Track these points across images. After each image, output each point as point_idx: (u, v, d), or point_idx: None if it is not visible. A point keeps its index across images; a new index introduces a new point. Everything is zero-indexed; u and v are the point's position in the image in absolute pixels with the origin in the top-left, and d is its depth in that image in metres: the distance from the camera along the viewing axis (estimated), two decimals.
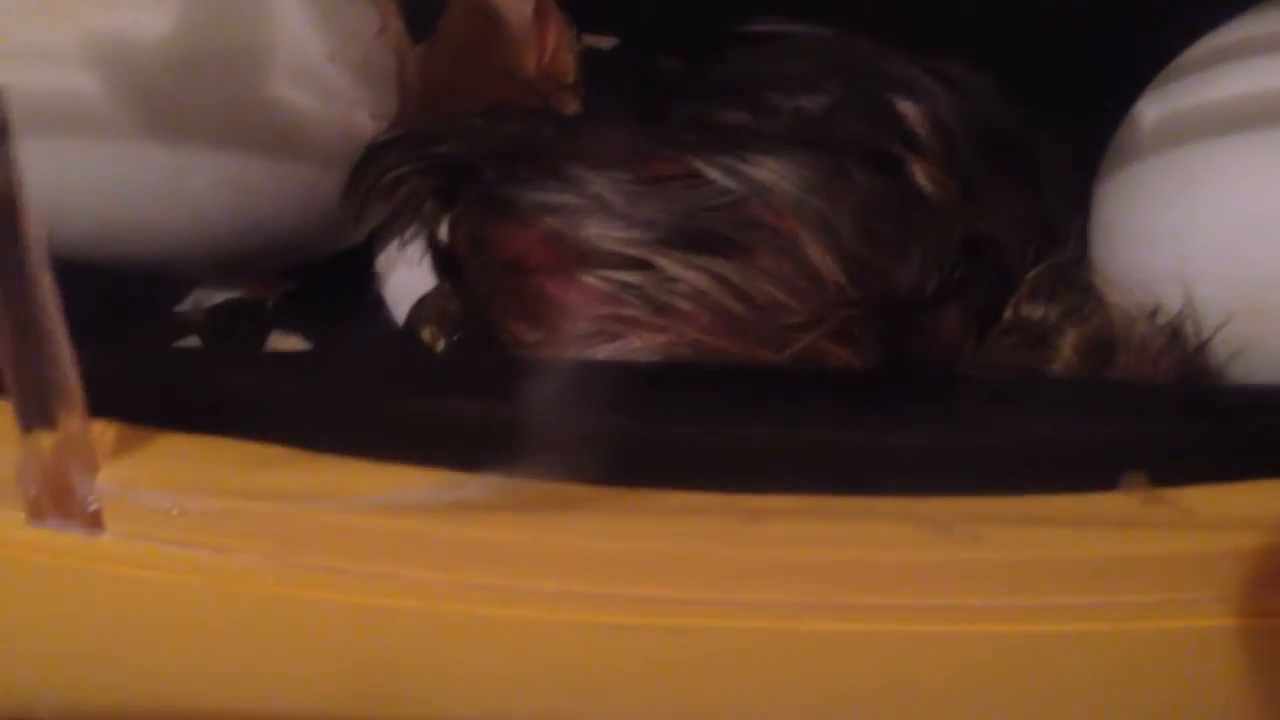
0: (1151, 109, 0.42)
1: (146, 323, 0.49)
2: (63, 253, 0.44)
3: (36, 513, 0.32)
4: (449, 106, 0.47)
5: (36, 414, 0.32)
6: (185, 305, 0.50)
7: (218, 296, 0.50)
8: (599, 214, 0.42)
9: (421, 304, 0.49)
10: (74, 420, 0.32)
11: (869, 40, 0.44)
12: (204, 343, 0.49)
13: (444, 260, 0.48)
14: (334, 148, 0.45)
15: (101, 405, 0.33)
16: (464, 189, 0.45)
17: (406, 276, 0.49)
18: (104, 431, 0.33)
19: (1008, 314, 0.42)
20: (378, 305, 0.50)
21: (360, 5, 0.44)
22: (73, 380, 0.32)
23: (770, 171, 0.41)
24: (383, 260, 0.50)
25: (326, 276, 0.50)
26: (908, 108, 0.42)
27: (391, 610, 0.33)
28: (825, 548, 0.33)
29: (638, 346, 0.41)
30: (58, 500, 0.32)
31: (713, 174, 0.41)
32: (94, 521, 0.33)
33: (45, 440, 0.32)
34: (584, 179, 0.42)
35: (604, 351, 0.41)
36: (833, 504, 0.34)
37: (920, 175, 0.41)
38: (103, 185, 0.43)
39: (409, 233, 0.48)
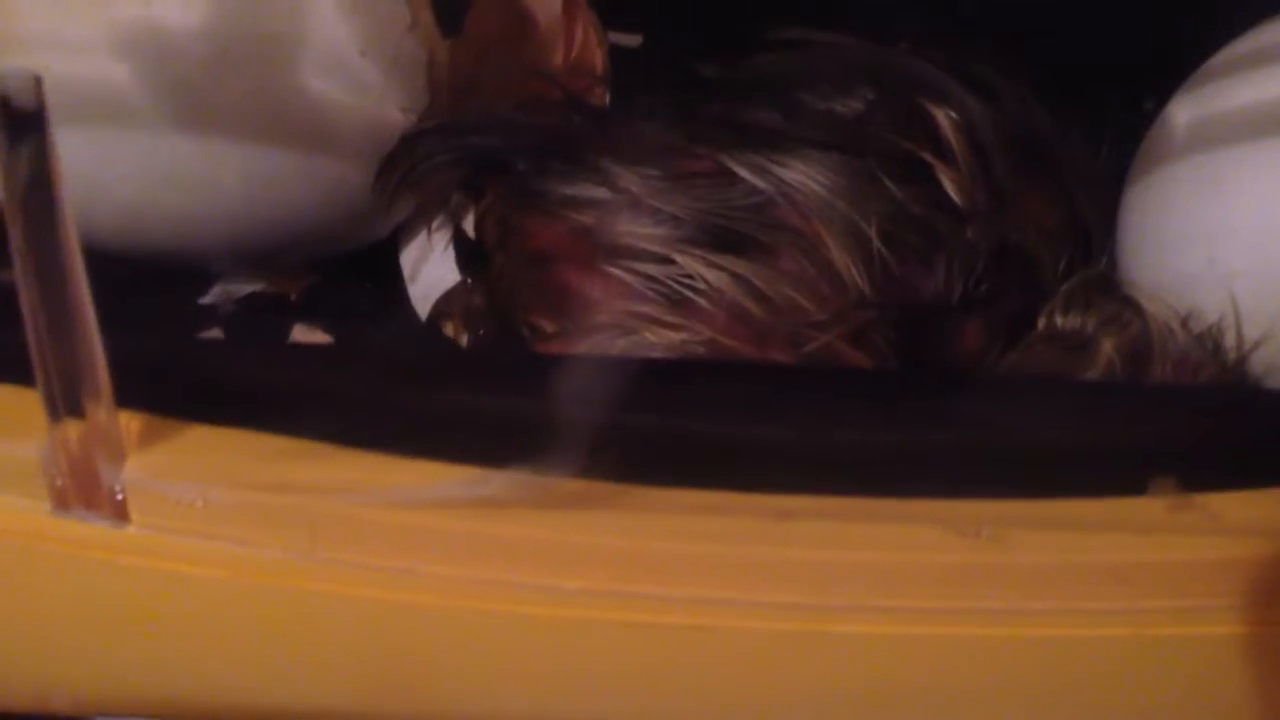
0: (1184, 111, 0.42)
1: (170, 314, 0.49)
2: (92, 243, 0.44)
3: (61, 503, 0.32)
4: (478, 101, 0.47)
5: (64, 403, 0.32)
6: (209, 297, 0.50)
7: (241, 289, 0.50)
8: (627, 209, 0.42)
9: (446, 299, 0.49)
10: (101, 410, 0.32)
11: (902, 47, 0.44)
12: (227, 335, 0.49)
13: (469, 254, 0.48)
14: (363, 141, 0.45)
15: (128, 395, 0.33)
16: (495, 181, 0.45)
17: (431, 272, 0.49)
18: (130, 422, 0.33)
19: (1041, 323, 0.41)
20: (401, 301, 0.50)
21: None
22: (101, 370, 0.32)
23: (799, 173, 0.41)
24: (407, 255, 0.50)
25: (350, 272, 0.50)
26: (940, 115, 0.42)
27: (414, 606, 0.33)
28: (852, 549, 0.33)
29: (653, 343, 0.41)
30: (83, 490, 0.32)
31: (741, 173, 0.41)
32: (119, 512, 0.33)
33: (72, 430, 0.32)
34: (614, 174, 0.42)
35: (619, 347, 0.42)
36: (860, 505, 0.33)
37: (949, 185, 0.41)
38: (133, 176, 0.43)
39: (436, 225, 0.48)
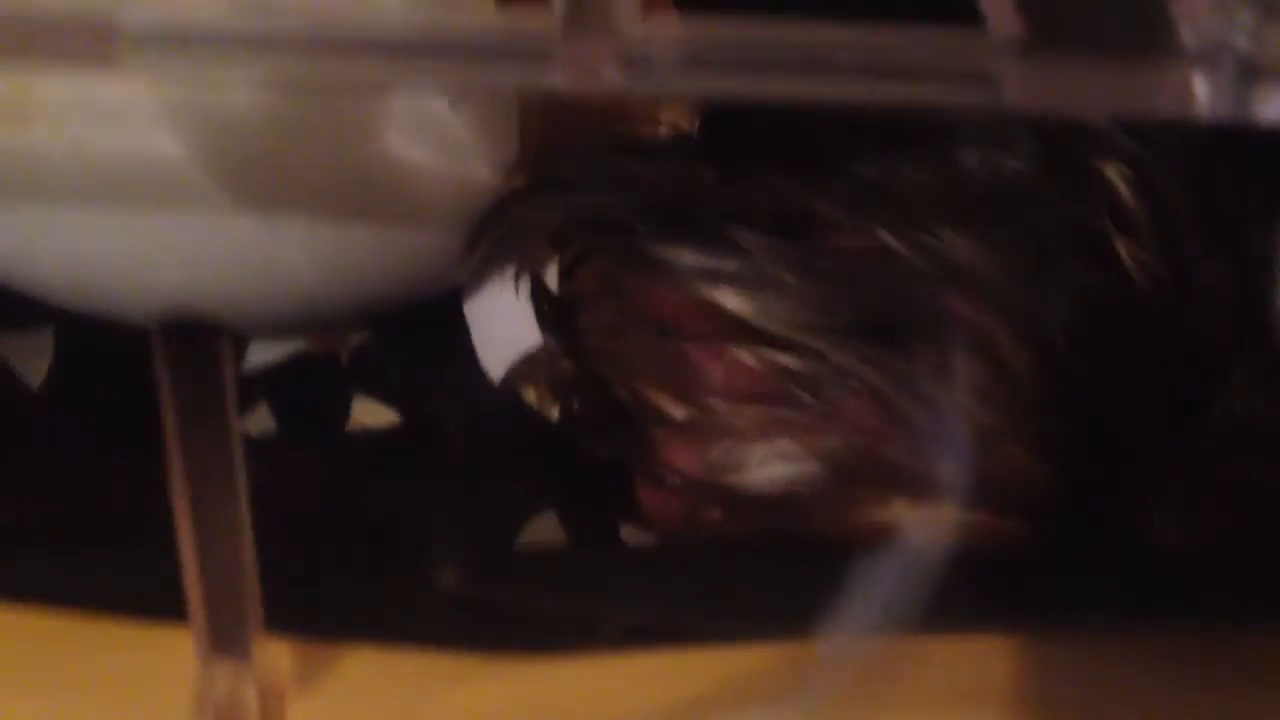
0: None
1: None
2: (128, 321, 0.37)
3: None
4: (579, 151, 0.40)
5: (217, 642, 0.26)
6: (248, 363, 0.43)
7: (280, 350, 0.44)
8: (765, 288, 0.37)
9: (527, 363, 0.43)
10: (255, 646, 0.26)
11: None
12: (276, 411, 0.42)
13: (554, 313, 0.42)
14: (449, 204, 0.38)
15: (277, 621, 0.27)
16: (599, 236, 0.39)
17: (505, 329, 0.43)
18: (283, 653, 0.27)
19: (1219, 411, 0.38)
20: (464, 359, 0.44)
21: None
22: (255, 604, 0.26)
23: (968, 253, 0.36)
24: (475, 309, 0.43)
25: (403, 326, 0.44)
26: (1116, 174, 0.37)
27: None
28: None
29: (792, 450, 0.37)
30: None
31: (902, 252, 0.36)
32: None
33: (224, 668, 0.26)
34: (750, 246, 0.37)
35: (756, 455, 0.37)
36: None
37: (1129, 260, 0.37)
38: (184, 263, 0.36)
39: (513, 276, 0.42)
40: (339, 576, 0.29)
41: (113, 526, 0.31)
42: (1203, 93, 0.20)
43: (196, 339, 0.22)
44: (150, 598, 0.26)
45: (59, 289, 0.38)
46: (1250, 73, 0.19)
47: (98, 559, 0.28)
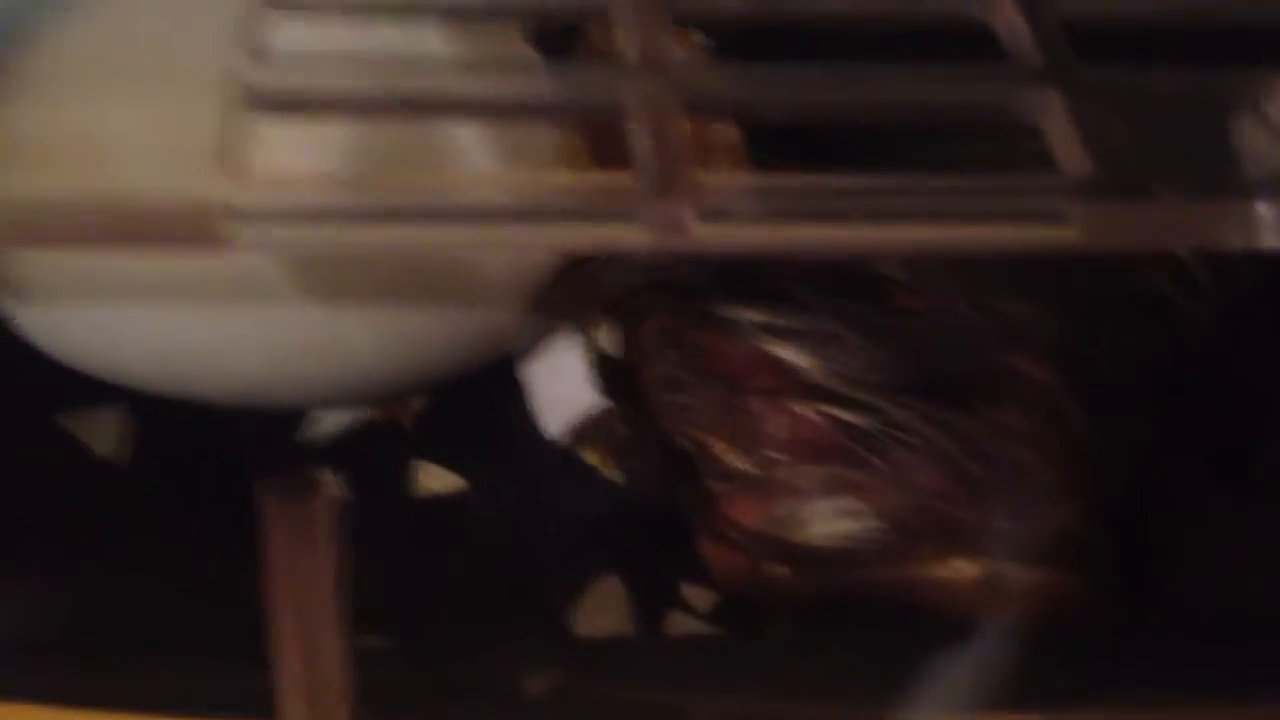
0: None
1: (272, 453, 0.44)
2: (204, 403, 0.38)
3: None
4: None
5: None
6: (314, 431, 0.44)
7: (343, 418, 0.45)
8: (829, 346, 0.38)
9: (586, 426, 0.44)
10: None
11: None
12: (341, 477, 0.43)
13: (613, 375, 0.43)
14: (512, 284, 0.39)
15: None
16: (667, 298, 0.40)
17: (562, 389, 0.44)
18: None
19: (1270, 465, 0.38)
20: (524, 421, 0.45)
21: (539, 129, 0.38)
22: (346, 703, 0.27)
23: (1030, 312, 0.37)
24: (531, 370, 0.44)
25: (462, 390, 0.45)
26: None
27: None
28: None
29: (855, 509, 0.38)
30: None
31: (965, 312, 0.37)
32: None
33: None
34: (817, 306, 0.38)
35: (819, 512, 0.38)
36: None
37: (1188, 317, 0.37)
38: (256, 351, 0.38)
39: (570, 339, 0.43)
40: (419, 664, 0.30)
41: (199, 627, 0.31)
42: (1268, 224, 0.20)
43: (299, 493, 0.23)
44: (238, 700, 0.27)
45: (138, 377, 0.39)
46: None
47: (188, 662, 0.28)
